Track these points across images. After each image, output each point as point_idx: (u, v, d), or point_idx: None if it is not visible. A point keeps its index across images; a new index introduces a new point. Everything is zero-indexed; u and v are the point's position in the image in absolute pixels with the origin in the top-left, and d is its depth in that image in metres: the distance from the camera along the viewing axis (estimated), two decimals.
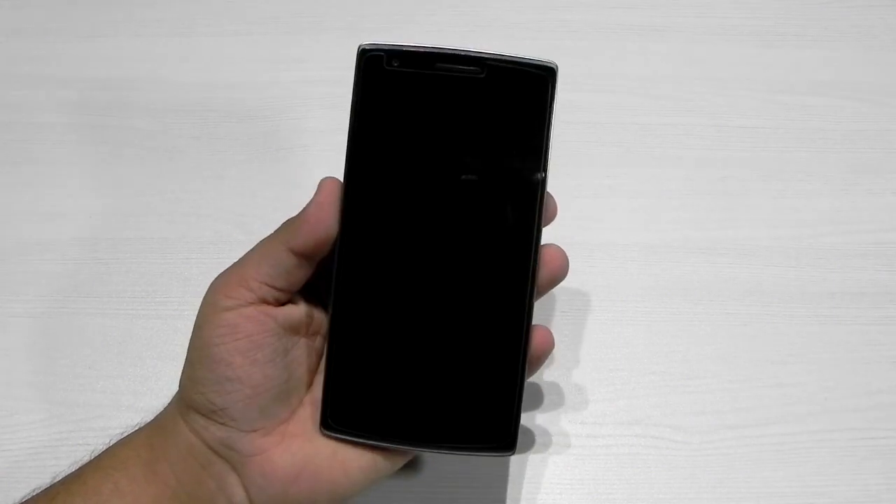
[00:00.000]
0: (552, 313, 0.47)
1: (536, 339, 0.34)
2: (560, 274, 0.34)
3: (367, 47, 0.32)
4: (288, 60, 0.55)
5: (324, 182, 0.33)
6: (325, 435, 0.34)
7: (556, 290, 0.47)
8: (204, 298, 0.34)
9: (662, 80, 0.55)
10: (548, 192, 0.34)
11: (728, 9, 0.57)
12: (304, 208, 0.33)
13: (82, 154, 0.52)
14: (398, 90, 0.32)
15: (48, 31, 0.56)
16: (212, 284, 0.34)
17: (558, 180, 0.51)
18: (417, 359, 0.34)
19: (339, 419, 0.34)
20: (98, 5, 0.57)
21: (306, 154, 0.52)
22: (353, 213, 0.33)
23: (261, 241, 0.34)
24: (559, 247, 0.34)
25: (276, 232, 0.34)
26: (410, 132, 0.33)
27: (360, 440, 0.34)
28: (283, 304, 0.34)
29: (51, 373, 0.45)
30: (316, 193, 0.33)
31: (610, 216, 0.50)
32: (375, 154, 0.33)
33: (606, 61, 0.55)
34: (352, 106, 0.33)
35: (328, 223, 0.33)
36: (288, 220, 0.34)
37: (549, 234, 0.49)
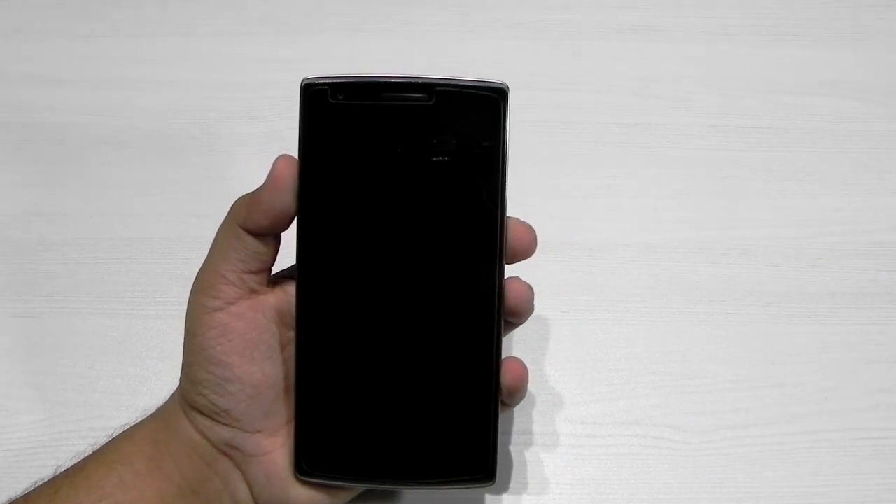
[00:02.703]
0: (552, 313, 0.47)
1: (509, 374, 0.33)
2: (526, 309, 0.33)
3: (310, 82, 0.31)
4: (288, 60, 0.55)
5: (277, 160, 0.32)
6: (300, 481, 0.33)
7: (555, 290, 0.47)
8: (189, 303, 0.33)
9: (662, 80, 0.55)
10: (527, 224, 0.33)
11: (728, 9, 0.57)
12: (258, 188, 0.32)
13: (82, 154, 0.52)
14: (346, 124, 0.31)
15: (48, 31, 0.56)
16: (193, 288, 0.33)
17: (558, 180, 0.51)
18: (388, 396, 0.33)
19: (313, 463, 0.33)
20: (98, 5, 0.57)
21: None
22: (310, 255, 0.32)
23: (219, 231, 0.33)
24: (521, 279, 0.33)
25: (228, 216, 0.33)
26: (362, 167, 0.31)
27: (338, 483, 0.34)
28: (267, 285, 0.34)
29: (51, 373, 0.45)
30: (270, 171, 0.32)
31: (610, 216, 0.50)
32: (327, 193, 0.32)
33: (606, 61, 0.55)
34: (299, 144, 0.32)
35: (277, 200, 0.32)
36: (239, 200, 0.33)
37: (550, 233, 0.49)
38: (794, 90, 0.54)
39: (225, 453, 0.34)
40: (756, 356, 0.46)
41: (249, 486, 0.34)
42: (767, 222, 0.50)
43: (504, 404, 0.34)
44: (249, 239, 0.32)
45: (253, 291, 0.33)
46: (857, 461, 0.43)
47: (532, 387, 0.45)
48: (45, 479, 0.34)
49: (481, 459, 0.33)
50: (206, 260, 0.33)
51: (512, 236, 0.33)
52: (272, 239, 0.33)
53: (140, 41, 0.56)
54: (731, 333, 0.46)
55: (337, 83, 0.31)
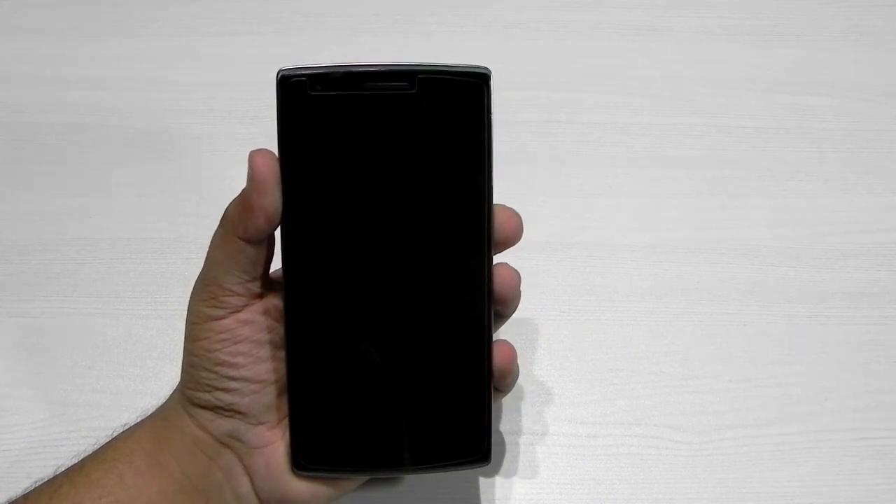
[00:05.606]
0: (552, 313, 0.47)
1: (499, 355, 0.33)
2: (514, 296, 0.34)
3: (288, 73, 0.30)
4: (288, 60, 0.55)
5: (254, 157, 0.31)
6: (298, 476, 0.33)
7: (555, 290, 0.47)
8: (191, 310, 0.33)
9: (662, 80, 0.55)
10: (512, 210, 0.33)
11: (728, 9, 0.57)
12: (244, 192, 0.32)
13: (82, 154, 0.52)
14: (326, 116, 0.30)
15: (48, 31, 0.56)
16: (194, 296, 0.33)
17: (559, 180, 0.51)
18: (382, 386, 0.33)
19: (310, 458, 0.33)
20: (98, 5, 0.57)
21: None
22: (296, 250, 0.32)
23: (214, 240, 0.33)
24: (508, 265, 0.33)
25: (223, 224, 0.32)
26: (345, 160, 0.31)
27: (336, 476, 0.34)
28: (268, 284, 0.33)
29: (51, 373, 0.45)
30: (250, 171, 0.31)
31: (610, 216, 0.50)
32: (311, 187, 0.31)
33: (606, 61, 0.55)
34: (278, 138, 0.31)
35: (270, 200, 0.31)
36: (231, 210, 0.32)
37: (550, 232, 0.49)
38: (794, 90, 0.54)
39: (227, 445, 0.34)
40: (756, 356, 0.46)
41: (251, 478, 0.34)
42: (767, 222, 0.50)
43: (497, 390, 0.34)
44: (249, 249, 0.32)
45: (256, 296, 0.33)
46: (857, 461, 0.43)
47: (532, 387, 0.45)
48: (46, 479, 0.34)
49: (476, 441, 0.33)
50: (205, 271, 0.33)
51: (498, 221, 0.32)
52: (266, 240, 0.33)
53: (140, 41, 0.56)
54: (731, 333, 0.46)
55: (315, 74, 0.30)
